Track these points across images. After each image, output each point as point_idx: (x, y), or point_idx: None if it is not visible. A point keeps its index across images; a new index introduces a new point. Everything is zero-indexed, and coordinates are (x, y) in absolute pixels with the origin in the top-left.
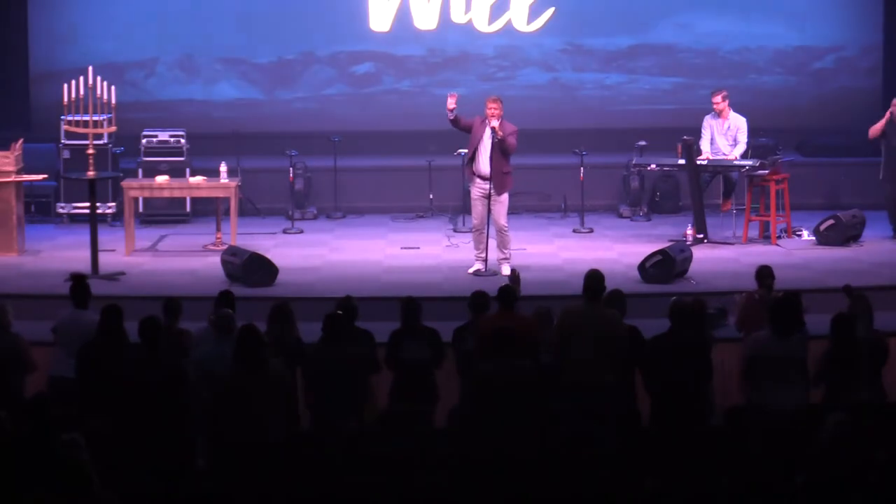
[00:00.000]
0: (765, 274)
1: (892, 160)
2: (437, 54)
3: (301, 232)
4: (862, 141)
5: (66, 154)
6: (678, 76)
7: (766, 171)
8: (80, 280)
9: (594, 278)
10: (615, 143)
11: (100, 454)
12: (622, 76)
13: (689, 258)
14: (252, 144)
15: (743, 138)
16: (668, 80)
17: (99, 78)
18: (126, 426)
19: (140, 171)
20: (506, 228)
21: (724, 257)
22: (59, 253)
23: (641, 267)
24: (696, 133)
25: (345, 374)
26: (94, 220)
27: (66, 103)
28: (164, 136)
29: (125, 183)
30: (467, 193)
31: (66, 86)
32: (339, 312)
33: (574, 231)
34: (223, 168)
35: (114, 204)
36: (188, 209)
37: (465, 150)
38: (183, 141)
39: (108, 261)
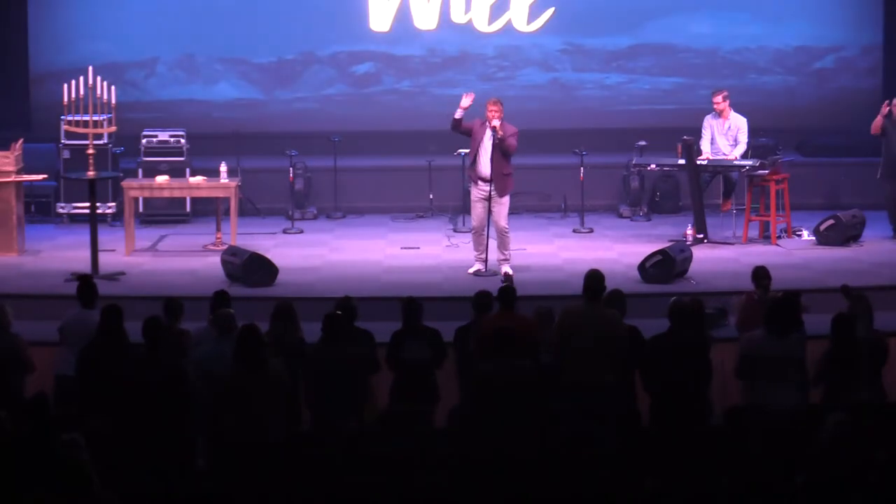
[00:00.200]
0: (761, 275)
1: (891, 159)
2: (437, 54)
3: (301, 232)
4: (862, 141)
5: (66, 154)
6: (678, 76)
7: (766, 171)
8: (87, 280)
9: (594, 278)
10: (615, 143)
11: (100, 454)
12: (622, 76)
13: (689, 258)
14: (252, 144)
15: (743, 138)
16: (668, 80)
17: (99, 78)
18: (126, 426)
19: (140, 171)
20: (506, 230)
21: (724, 257)
22: (59, 253)
23: (641, 267)
24: (697, 133)
25: (345, 374)
26: (94, 220)
27: (66, 103)
28: (164, 136)
29: (125, 183)
30: (467, 193)
31: (66, 86)
32: (339, 313)
33: (574, 231)
34: (223, 168)
35: (114, 204)
36: (188, 209)
37: (465, 151)
38: (183, 141)
39: (108, 261)
